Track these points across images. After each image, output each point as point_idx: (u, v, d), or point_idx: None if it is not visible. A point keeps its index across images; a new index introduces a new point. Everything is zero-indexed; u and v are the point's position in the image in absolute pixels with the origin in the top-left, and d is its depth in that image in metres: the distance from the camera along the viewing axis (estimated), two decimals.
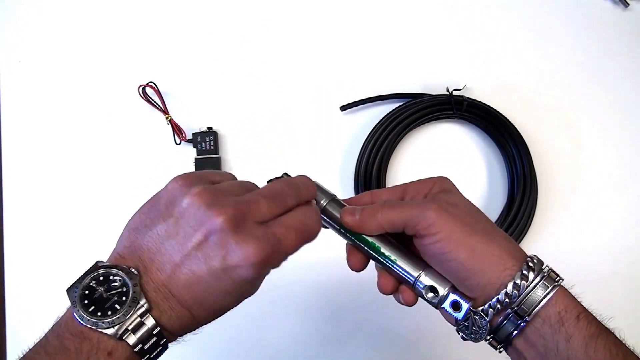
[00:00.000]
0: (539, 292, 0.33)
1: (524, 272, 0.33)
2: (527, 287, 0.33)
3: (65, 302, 0.33)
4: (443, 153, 0.63)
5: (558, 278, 0.34)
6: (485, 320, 0.34)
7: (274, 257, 0.31)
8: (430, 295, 0.36)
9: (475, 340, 0.36)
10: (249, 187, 0.34)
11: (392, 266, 0.38)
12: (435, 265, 0.36)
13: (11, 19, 0.64)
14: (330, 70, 0.64)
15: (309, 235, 0.34)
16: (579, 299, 0.34)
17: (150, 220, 0.33)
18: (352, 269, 0.39)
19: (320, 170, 0.62)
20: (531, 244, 0.61)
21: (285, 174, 0.40)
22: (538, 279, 0.33)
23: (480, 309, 0.34)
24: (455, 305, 0.35)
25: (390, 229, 0.37)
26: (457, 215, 0.35)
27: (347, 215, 0.38)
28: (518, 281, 0.33)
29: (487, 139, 0.63)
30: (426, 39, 0.65)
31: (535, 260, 0.34)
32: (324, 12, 0.65)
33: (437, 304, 0.36)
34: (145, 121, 0.63)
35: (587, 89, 0.64)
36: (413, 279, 0.37)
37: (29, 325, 0.61)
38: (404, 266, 0.37)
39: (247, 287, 0.32)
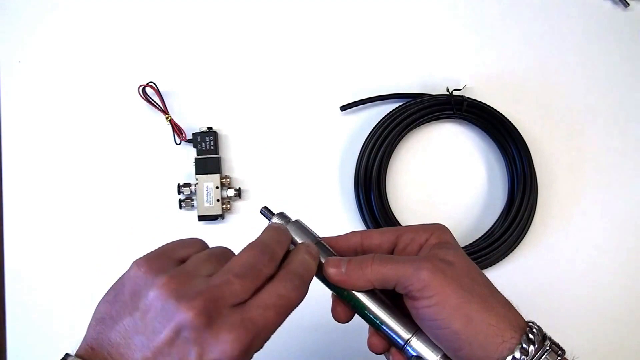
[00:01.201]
0: None
1: (524, 345, 0.30)
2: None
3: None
4: (443, 153, 0.63)
5: (560, 351, 0.32)
6: None
7: (255, 343, 0.28)
8: None
9: None
10: (220, 257, 0.31)
11: (380, 326, 0.35)
12: (427, 330, 0.33)
13: (11, 19, 0.64)
14: (330, 70, 0.64)
15: (290, 308, 0.30)
16: None
17: (115, 312, 0.30)
18: (337, 320, 0.37)
19: (320, 171, 0.62)
20: (531, 244, 0.61)
21: (265, 207, 0.38)
22: (539, 353, 0.30)
23: None
24: None
25: (379, 286, 0.34)
26: (454, 277, 0.31)
27: (332, 267, 0.34)
28: (518, 355, 0.30)
29: (487, 139, 0.63)
30: (426, 39, 0.65)
31: (535, 330, 0.31)
32: (324, 12, 0.65)
33: None
34: (145, 121, 0.63)
35: (587, 89, 0.64)
36: (402, 343, 0.34)
37: (29, 325, 0.61)
38: (393, 327, 0.34)
39: None
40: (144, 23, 0.64)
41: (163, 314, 0.28)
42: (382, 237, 0.36)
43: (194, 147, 0.61)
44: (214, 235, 0.61)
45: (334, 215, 0.62)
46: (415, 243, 0.35)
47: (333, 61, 0.64)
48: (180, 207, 0.60)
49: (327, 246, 0.36)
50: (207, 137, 0.60)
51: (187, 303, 0.27)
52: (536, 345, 0.31)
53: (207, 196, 0.60)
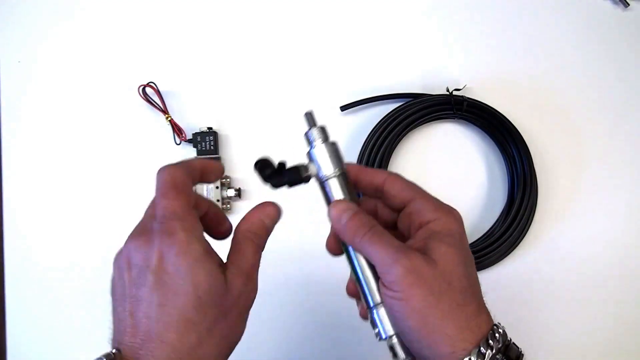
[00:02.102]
0: None
1: (472, 358, 0.31)
2: None
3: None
4: (443, 153, 0.63)
5: None
6: None
7: (176, 224, 0.33)
8: (376, 330, 0.35)
9: None
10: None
11: (358, 281, 0.35)
12: (387, 311, 0.34)
13: (11, 19, 0.64)
14: (330, 70, 0.64)
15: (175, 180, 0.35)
16: None
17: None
18: (327, 250, 0.38)
19: None
20: (531, 244, 0.61)
21: (310, 114, 0.38)
22: None
23: None
24: (393, 353, 0.34)
25: (364, 255, 0.35)
26: (427, 280, 0.32)
27: (335, 212, 0.35)
28: None
29: (487, 139, 0.63)
30: (426, 39, 0.65)
31: (491, 343, 0.32)
32: (324, 11, 0.65)
33: (378, 340, 0.35)
34: (145, 121, 0.63)
35: (587, 89, 0.64)
36: (370, 305, 0.35)
37: (30, 325, 0.61)
38: (367, 288, 0.35)
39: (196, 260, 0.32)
40: (144, 23, 0.64)
41: (120, 268, 0.35)
42: (401, 191, 0.36)
43: (194, 147, 0.61)
44: None
45: None
46: (420, 216, 0.35)
47: (333, 61, 0.64)
48: None
49: (347, 182, 0.37)
50: (207, 137, 0.60)
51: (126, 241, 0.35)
52: (486, 358, 0.31)
53: (207, 196, 0.60)
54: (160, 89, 0.61)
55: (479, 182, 0.63)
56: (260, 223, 0.37)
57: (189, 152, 0.61)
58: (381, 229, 0.34)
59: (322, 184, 0.37)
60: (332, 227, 0.37)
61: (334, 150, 0.37)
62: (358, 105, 0.62)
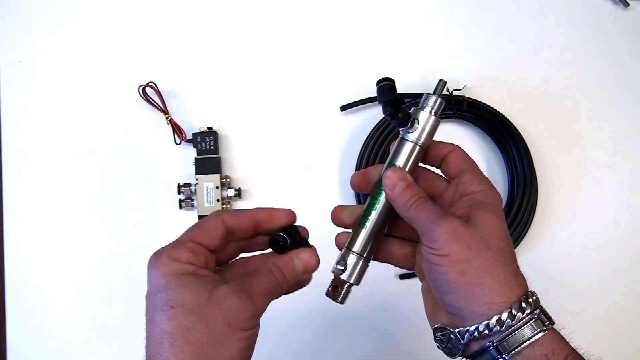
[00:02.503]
0: (526, 332, 0.33)
1: (513, 311, 0.33)
2: (512, 325, 0.33)
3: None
4: None
5: (547, 322, 0.34)
6: (460, 342, 0.34)
7: (164, 250, 0.35)
8: (338, 266, 0.39)
9: (449, 355, 0.36)
10: None
11: (360, 225, 0.39)
12: (425, 268, 0.36)
13: (11, 19, 0.64)
14: (330, 70, 0.64)
15: (204, 225, 0.37)
16: (568, 340, 0.34)
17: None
18: (352, 185, 0.41)
19: (320, 171, 0.62)
20: (531, 244, 0.61)
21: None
22: (526, 319, 0.33)
23: (457, 330, 0.34)
24: (334, 292, 0.39)
25: (405, 219, 0.37)
26: (464, 238, 0.34)
27: (391, 180, 0.38)
28: (504, 317, 0.33)
29: (487, 139, 0.63)
30: (426, 39, 0.65)
31: (530, 300, 0.34)
32: (324, 11, 0.65)
33: (332, 270, 0.39)
34: (145, 121, 0.63)
35: (587, 89, 0.64)
36: (347, 248, 0.39)
37: (29, 325, 0.61)
38: (361, 236, 0.38)
39: (173, 286, 0.34)
40: (144, 23, 0.64)
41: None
42: (460, 162, 0.39)
43: (194, 147, 0.61)
44: None
45: None
46: (467, 186, 0.38)
47: (333, 61, 0.64)
48: (180, 207, 0.60)
49: (421, 156, 0.39)
50: (207, 137, 0.60)
51: None
52: (525, 313, 0.33)
53: (207, 196, 0.60)
54: (160, 89, 0.61)
55: None
56: (292, 266, 0.38)
57: (189, 152, 0.61)
58: (427, 199, 0.37)
59: (402, 141, 0.39)
60: (383, 185, 0.39)
61: (433, 126, 0.39)
62: (358, 105, 0.62)
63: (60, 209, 0.62)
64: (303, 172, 0.62)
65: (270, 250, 0.38)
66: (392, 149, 0.40)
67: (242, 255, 0.40)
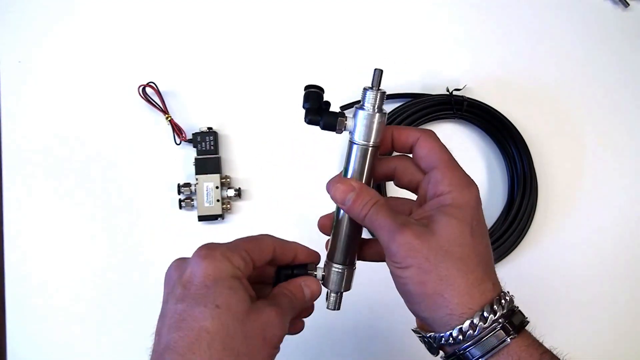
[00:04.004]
0: (491, 341, 0.32)
1: (474, 320, 0.32)
2: (475, 336, 0.32)
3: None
4: None
5: (512, 331, 0.33)
6: (434, 346, 0.35)
7: (217, 249, 0.34)
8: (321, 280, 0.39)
9: (430, 353, 0.36)
10: None
11: (335, 236, 0.39)
12: (393, 280, 0.36)
13: (11, 19, 0.64)
14: (330, 70, 0.64)
15: (259, 244, 0.36)
16: (541, 340, 0.34)
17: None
18: (320, 228, 0.41)
19: (321, 170, 0.62)
20: (531, 244, 0.61)
21: (380, 70, 0.38)
22: (488, 329, 0.32)
23: (429, 334, 0.35)
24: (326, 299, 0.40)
25: (369, 230, 0.37)
26: (422, 250, 0.33)
27: (340, 193, 0.37)
28: (465, 327, 0.32)
29: (487, 139, 0.63)
30: (426, 39, 0.65)
31: (495, 307, 0.33)
32: (324, 12, 0.65)
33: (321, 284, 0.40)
34: (145, 121, 0.63)
35: (587, 89, 0.64)
36: (329, 260, 0.39)
37: (29, 325, 0.61)
38: (338, 247, 0.39)
39: (222, 288, 0.33)
40: (144, 23, 0.64)
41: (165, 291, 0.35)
42: (429, 154, 0.37)
43: (194, 147, 0.61)
44: (214, 235, 0.61)
45: None
46: (435, 187, 0.36)
47: (333, 61, 0.64)
48: (180, 207, 0.60)
49: (374, 155, 0.37)
50: (207, 137, 0.60)
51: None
52: (486, 323, 0.32)
53: (207, 196, 0.60)
54: (160, 89, 0.61)
55: (479, 182, 0.61)
56: (302, 291, 0.39)
57: (189, 152, 0.61)
58: (381, 206, 0.36)
59: (350, 144, 0.37)
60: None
61: (379, 123, 0.36)
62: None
63: (60, 209, 0.62)
64: (303, 172, 0.62)
65: None
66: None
67: None
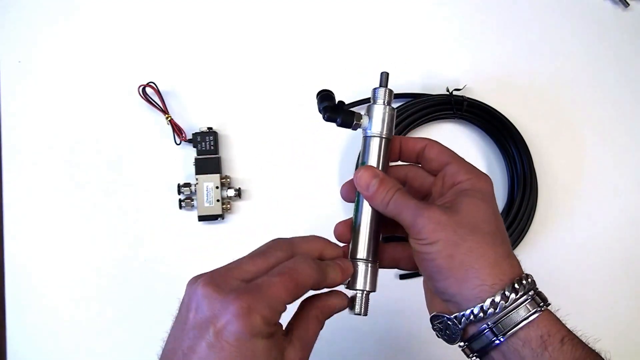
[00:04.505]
0: (520, 313, 0.32)
1: (506, 292, 0.32)
2: (505, 307, 0.32)
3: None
4: None
5: (542, 304, 0.33)
6: (458, 327, 0.34)
7: (257, 305, 0.30)
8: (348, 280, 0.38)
9: (448, 342, 0.36)
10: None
11: (355, 230, 0.39)
12: (416, 256, 0.36)
13: (11, 19, 0.64)
14: (330, 70, 0.64)
15: (297, 279, 0.32)
16: (564, 322, 0.34)
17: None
18: (342, 196, 0.42)
19: (321, 171, 0.62)
20: (531, 244, 0.61)
21: (387, 74, 0.40)
22: (520, 300, 0.33)
23: (454, 315, 0.34)
24: (352, 305, 0.38)
25: (388, 214, 0.37)
26: (449, 225, 0.34)
27: (363, 180, 0.38)
28: (497, 299, 0.32)
29: (487, 139, 0.63)
30: (426, 39, 0.65)
31: (524, 282, 0.33)
32: (324, 12, 0.65)
33: (346, 287, 0.39)
34: (145, 121, 0.63)
35: (587, 89, 0.64)
36: (355, 257, 0.39)
37: (29, 325, 0.61)
38: (360, 242, 0.39)
39: (255, 349, 0.30)
40: (144, 23, 0.64)
41: (188, 301, 0.32)
42: (439, 155, 0.39)
43: (194, 147, 0.61)
44: (214, 235, 0.61)
45: (334, 215, 0.62)
46: (453, 178, 0.38)
47: (333, 61, 0.64)
48: (180, 207, 0.60)
49: (387, 148, 0.39)
50: (207, 137, 0.60)
51: (201, 280, 0.32)
52: (519, 295, 0.33)
53: (207, 196, 0.60)
54: (160, 89, 0.61)
55: None
56: (331, 305, 0.38)
57: (189, 152, 0.61)
58: (403, 191, 0.37)
59: (365, 139, 0.40)
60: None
61: (390, 115, 0.39)
62: (358, 105, 0.62)
63: (60, 209, 0.62)
64: (303, 172, 0.62)
65: None
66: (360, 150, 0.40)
67: None
